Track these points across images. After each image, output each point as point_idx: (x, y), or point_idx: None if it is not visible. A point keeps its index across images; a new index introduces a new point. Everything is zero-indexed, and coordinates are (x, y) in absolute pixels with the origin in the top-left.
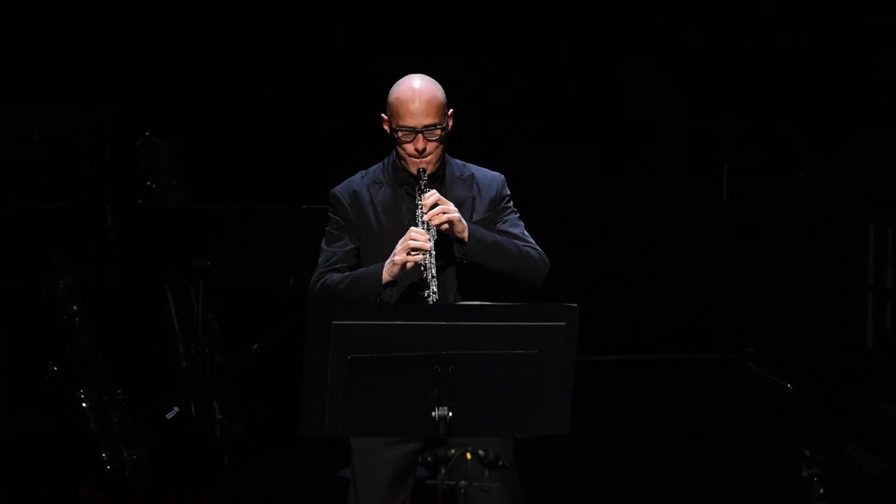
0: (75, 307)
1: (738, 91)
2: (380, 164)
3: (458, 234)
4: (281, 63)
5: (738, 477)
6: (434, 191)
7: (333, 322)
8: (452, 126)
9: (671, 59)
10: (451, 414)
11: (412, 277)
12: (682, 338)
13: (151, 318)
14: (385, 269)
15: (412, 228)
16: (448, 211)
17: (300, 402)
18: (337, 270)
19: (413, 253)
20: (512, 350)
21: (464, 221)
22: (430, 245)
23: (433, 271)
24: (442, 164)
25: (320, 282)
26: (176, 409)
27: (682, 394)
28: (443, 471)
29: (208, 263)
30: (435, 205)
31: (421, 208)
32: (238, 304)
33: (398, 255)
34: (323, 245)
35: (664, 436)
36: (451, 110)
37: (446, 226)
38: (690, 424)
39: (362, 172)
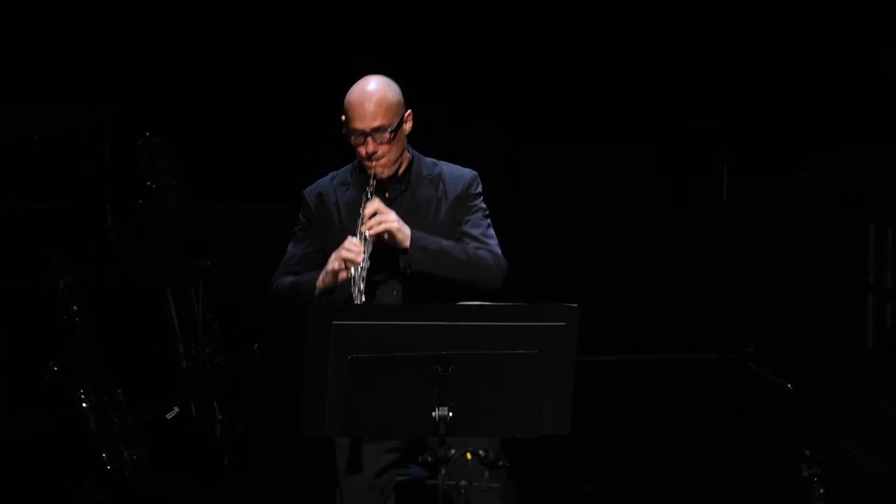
0: (75, 307)
1: (738, 91)
2: (350, 166)
3: (399, 244)
4: (281, 63)
5: (738, 477)
6: (377, 199)
7: (333, 322)
8: (413, 126)
9: (672, 58)
10: (451, 414)
11: (347, 287)
12: (682, 338)
13: (151, 318)
14: (319, 278)
15: (348, 238)
16: (385, 221)
17: (300, 402)
18: (294, 272)
19: (346, 263)
20: (512, 350)
21: (405, 230)
22: (361, 257)
23: (361, 286)
24: (409, 163)
25: (274, 284)
26: (176, 409)
27: (682, 394)
28: (443, 471)
29: (208, 263)
30: (374, 214)
31: (361, 218)
32: (238, 304)
33: (330, 263)
34: (288, 246)
35: (664, 436)
36: (408, 111)
37: (386, 236)
38: (690, 424)
39: (333, 173)
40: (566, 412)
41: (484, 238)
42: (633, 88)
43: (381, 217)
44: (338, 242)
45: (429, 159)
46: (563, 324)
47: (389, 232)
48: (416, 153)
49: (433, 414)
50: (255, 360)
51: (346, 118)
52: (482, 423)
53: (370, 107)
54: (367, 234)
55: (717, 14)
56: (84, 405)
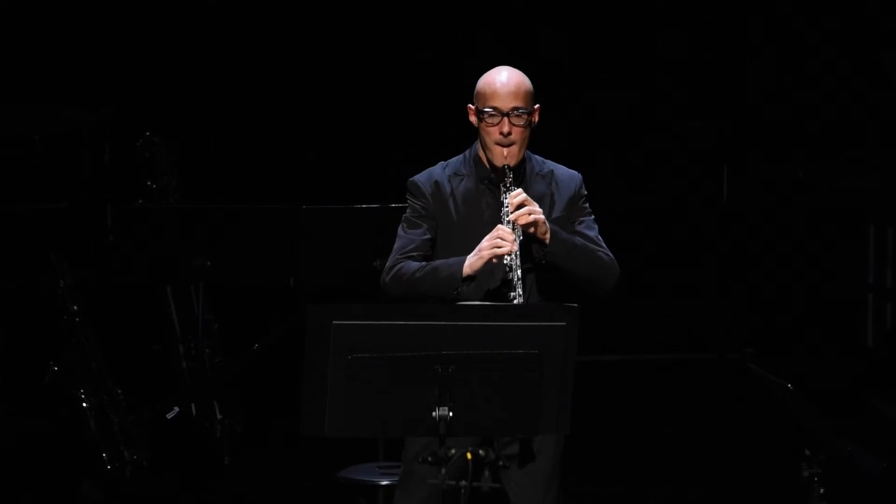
0: (75, 307)
1: (738, 91)
2: (461, 157)
3: (541, 235)
4: (281, 63)
5: (738, 477)
6: (520, 190)
7: (333, 322)
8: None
9: (673, 58)
10: (451, 414)
11: (490, 276)
12: (682, 338)
13: (151, 318)
14: (467, 262)
15: (499, 226)
16: (534, 212)
17: (300, 402)
18: (413, 258)
19: (499, 250)
20: (512, 350)
21: (547, 223)
22: (516, 246)
23: (519, 273)
24: (522, 158)
25: (395, 268)
26: (176, 409)
27: (682, 394)
28: (443, 471)
29: (208, 263)
30: (521, 205)
31: (507, 206)
32: (238, 304)
33: (485, 250)
34: (400, 231)
35: (664, 436)
36: (537, 105)
37: (532, 228)
38: (690, 424)
39: (443, 163)
40: (566, 412)
41: (598, 241)
42: (635, 88)
43: (531, 208)
44: (453, 234)
45: (537, 156)
46: (563, 324)
47: (535, 223)
48: (526, 150)
49: (433, 414)
50: (254, 360)
51: (481, 98)
52: (482, 423)
53: (511, 88)
54: (515, 223)
55: (719, 14)
56: (84, 405)
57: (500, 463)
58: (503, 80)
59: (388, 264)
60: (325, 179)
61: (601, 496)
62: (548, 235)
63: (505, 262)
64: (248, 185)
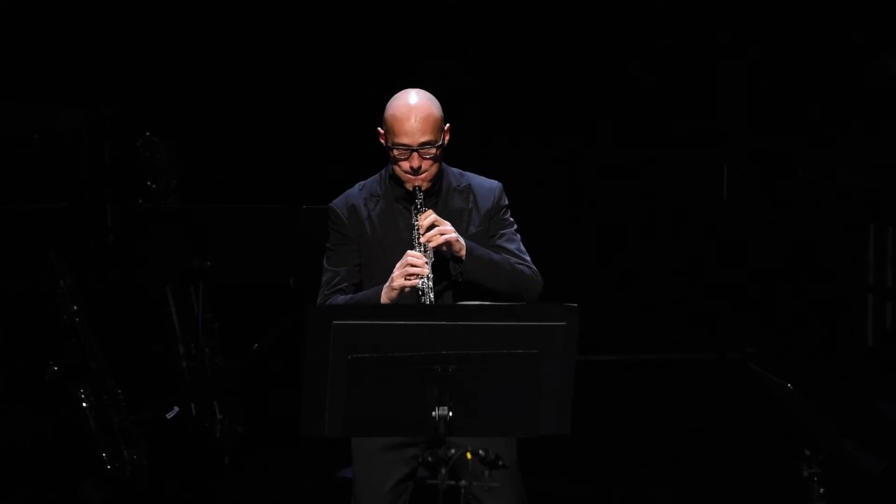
0: (75, 307)
1: (737, 90)
2: (377, 176)
3: (456, 253)
4: (281, 63)
5: (738, 477)
6: (430, 211)
7: (334, 322)
8: (449, 140)
9: (673, 58)
10: (451, 414)
11: (411, 300)
12: (682, 338)
13: (151, 318)
14: (383, 293)
15: (409, 252)
16: (445, 232)
17: (300, 402)
18: (341, 291)
19: (410, 277)
20: (512, 350)
21: (461, 240)
22: (427, 269)
23: (431, 296)
24: (438, 175)
25: (325, 305)
26: (176, 409)
27: (682, 394)
28: (443, 471)
29: (208, 263)
30: (432, 226)
31: (417, 229)
32: (238, 304)
33: (396, 279)
34: (325, 264)
35: (664, 436)
36: (447, 125)
37: (444, 247)
38: (690, 424)
39: (360, 184)
40: (566, 412)
41: (520, 253)
42: (635, 88)
43: (442, 228)
44: (372, 255)
45: (455, 169)
46: (563, 324)
47: (447, 243)
48: (443, 164)
49: (433, 414)
50: (254, 359)
51: (389, 132)
52: (482, 423)
53: (417, 123)
54: (427, 245)
55: (718, 13)
56: (84, 405)
57: (500, 463)
58: (409, 115)
59: (318, 301)
60: (325, 179)
61: (602, 497)
62: (463, 252)
63: (418, 286)
64: (248, 185)
